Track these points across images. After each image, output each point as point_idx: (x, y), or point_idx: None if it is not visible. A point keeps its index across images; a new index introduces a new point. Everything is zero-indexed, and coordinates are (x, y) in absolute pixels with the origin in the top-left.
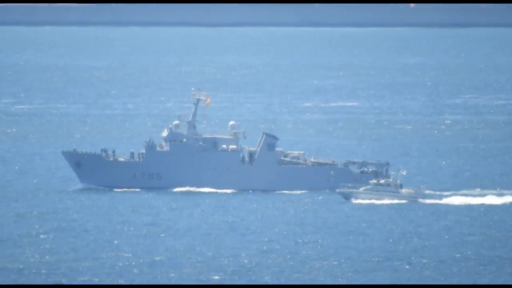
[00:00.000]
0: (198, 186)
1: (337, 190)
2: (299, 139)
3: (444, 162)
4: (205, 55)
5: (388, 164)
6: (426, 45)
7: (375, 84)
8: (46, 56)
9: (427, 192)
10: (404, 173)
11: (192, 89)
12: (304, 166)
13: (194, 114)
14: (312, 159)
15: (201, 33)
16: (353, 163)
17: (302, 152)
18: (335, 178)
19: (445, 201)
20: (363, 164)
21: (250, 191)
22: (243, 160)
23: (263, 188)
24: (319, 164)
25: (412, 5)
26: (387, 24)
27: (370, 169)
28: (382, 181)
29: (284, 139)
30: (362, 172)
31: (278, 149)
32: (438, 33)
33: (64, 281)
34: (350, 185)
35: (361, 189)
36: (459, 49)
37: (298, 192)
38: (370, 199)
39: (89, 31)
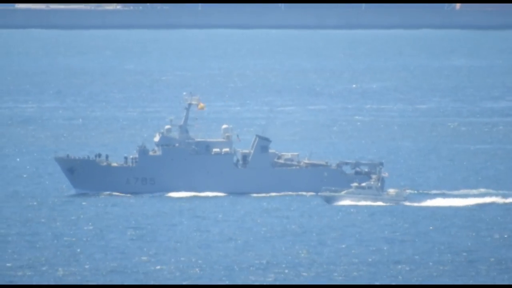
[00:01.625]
0: (192, 190)
1: (319, 194)
2: (293, 140)
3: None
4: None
5: (381, 164)
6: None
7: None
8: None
9: (410, 192)
10: (386, 175)
11: (184, 93)
12: (297, 168)
13: (186, 119)
14: (306, 161)
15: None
16: (346, 163)
17: (296, 153)
18: (328, 179)
19: (428, 203)
20: (356, 164)
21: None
22: (236, 163)
23: (257, 191)
24: (313, 165)
25: (457, 6)
26: (430, 26)
27: (363, 170)
28: (363, 184)
29: (278, 141)
30: (356, 173)
31: (271, 151)
32: (483, 35)
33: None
34: (332, 188)
35: (343, 192)
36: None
37: (293, 193)
38: (352, 202)
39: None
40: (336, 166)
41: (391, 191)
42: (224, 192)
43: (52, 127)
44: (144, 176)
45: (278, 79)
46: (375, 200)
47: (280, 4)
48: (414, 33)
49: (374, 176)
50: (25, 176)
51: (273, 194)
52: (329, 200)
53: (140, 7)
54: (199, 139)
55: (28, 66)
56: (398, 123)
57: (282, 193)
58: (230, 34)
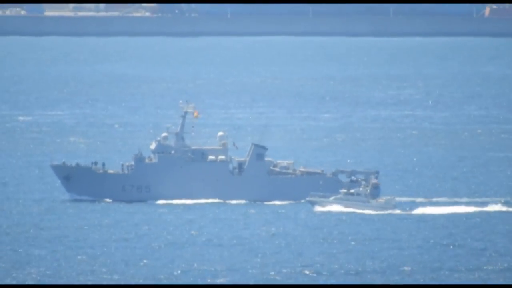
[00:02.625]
0: (187, 198)
1: (306, 199)
2: (289, 148)
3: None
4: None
5: (377, 172)
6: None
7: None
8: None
9: (399, 200)
10: (375, 182)
11: (180, 101)
12: (293, 176)
13: (182, 126)
14: (302, 169)
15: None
16: (342, 172)
17: (291, 161)
18: (324, 187)
19: (417, 211)
20: (352, 173)
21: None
22: (232, 171)
23: (253, 199)
24: (309, 173)
25: (486, 12)
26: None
27: (359, 178)
28: (352, 191)
29: (274, 148)
30: (351, 181)
31: (267, 159)
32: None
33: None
34: (320, 194)
35: (331, 198)
36: None
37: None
38: (340, 208)
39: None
40: (332, 174)
41: (380, 199)
42: (220, 200)
43: (54, 134)
44: (139, 184)
45: (307, 87)
46: (363, 207)
47: (309, 10)
48: (442, 40)
49: (363, 183)
50: (16, 182)
51: (268, 202)
52: (316, 205)
53: (169, 15)
54: (195, 147)
55: (48, 74)
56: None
57: (277, 202)
58: (258, 41)
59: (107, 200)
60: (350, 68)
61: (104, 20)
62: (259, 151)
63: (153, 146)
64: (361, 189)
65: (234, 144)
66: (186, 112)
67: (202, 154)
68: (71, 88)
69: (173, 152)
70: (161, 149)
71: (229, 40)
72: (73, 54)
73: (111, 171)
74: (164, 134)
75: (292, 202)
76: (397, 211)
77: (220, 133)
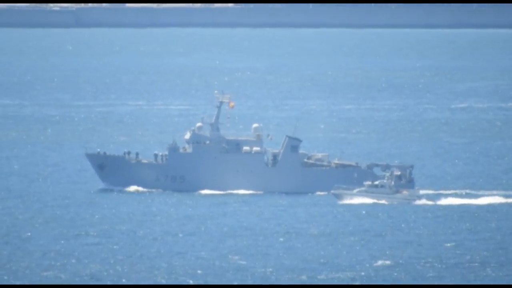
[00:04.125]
0: (221, 189)
1: (331, 191)
2: (324, 140)
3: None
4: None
5: (412, 166)
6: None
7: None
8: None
9: (423, 192)
10: (398, 173)
11: (215, 91)
12: (327, 168)
13: (217, 117)
14: (336, 161)
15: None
16: (377, 165)
17: (326, 154)
18: (358, 180)
19: (441, 202)
20: (387, 166)
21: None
22: (266, 162)
23: (287, 190)
24: (343, 166)
25: None
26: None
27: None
28: (376, 183)
29: (309, 141)
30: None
31: (301, 151)
32: None
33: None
34: (344, 186)
35: (355, 190)
36: None
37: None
38: (364, 200)
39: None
40: (367, 167)
41: (405, 191)
42: (254, 191)
43: (84, 123)
44: (173, 174)
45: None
46: (387, 199)
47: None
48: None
49: (387, 175)
50: (56, 172)
51: (302, 193)
52: (340, 197)
53: (251, 5)
54: (229, 138)
55: (124, 64)
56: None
57: (311, 193)
58: (339, 33)
59: (141, 189)
60: (425, 59)
61: (186, 11)
62: (293, 143)
63: (187, 136)
64: (385, 181)
65: (269, 135)
66: (221, 103)
67: (236, 145)
68: (144, 78)
69: (207, 142)
70: (196, 139)
71: (310, 32)
72: (151, 45)
73: (144, 161)
74: (199, 124)
75: (325, 193)
76: (421, 202)
77: (255, 125)
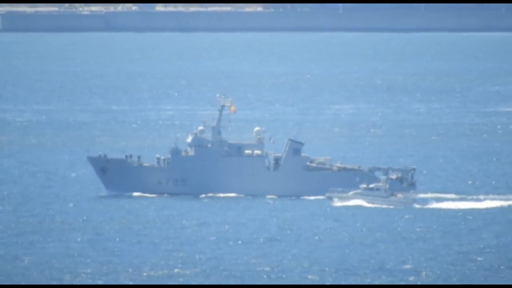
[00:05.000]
0: (223, 192)
1: (326, 194)
2: (326, 144)
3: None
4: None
5: (414, 169)
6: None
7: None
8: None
9: (420, 196)
10: (394, 177)
11: (217, 95)
12: (329, 171)
13: (219, 120)
14: (338, 165)
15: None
16: (379, 169)
17: (328, 158)
18: (360, 183)
19: (434, 205)
20: (389, 170)
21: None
22: (268, 165)
23: (288, 194)
24: (345, 169)
25: None
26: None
27: (395, 175)
28: (371, 186)
29: (311, 145)
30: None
31: (303, 155)
32: None
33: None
34: (339, 189)
35: (350, 193)
36: None
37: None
38: (359, 203)
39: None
40: (368, 170)
41: (400, 194)
42: (255, 195)
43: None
44: (175, 177)
45: (409, 81)
46: (382, 202)
47: (420, 7)
48: None
49: (383, 178)
50: (56, 176)
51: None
52: (335, 200)
53: (281, 9)
54: (231, 141)
55: (149, 70)
56: None
57: (313, 197)
58: (369, 37)
59: (142, 193)
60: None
61: (216, 15)
62: (296, 147)
63: (189, 139)
64: (380, 184)
65: (271, 139)
66: (223, 106)
67: (238, 149)
68: (166, 83)
69: (209, 145)
70: (197, 143)
71: (339, 36)
72: (179, 49)
73: (146, 164)
74: (201, 127)
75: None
76: (416, 206)
77: (257, 128)
